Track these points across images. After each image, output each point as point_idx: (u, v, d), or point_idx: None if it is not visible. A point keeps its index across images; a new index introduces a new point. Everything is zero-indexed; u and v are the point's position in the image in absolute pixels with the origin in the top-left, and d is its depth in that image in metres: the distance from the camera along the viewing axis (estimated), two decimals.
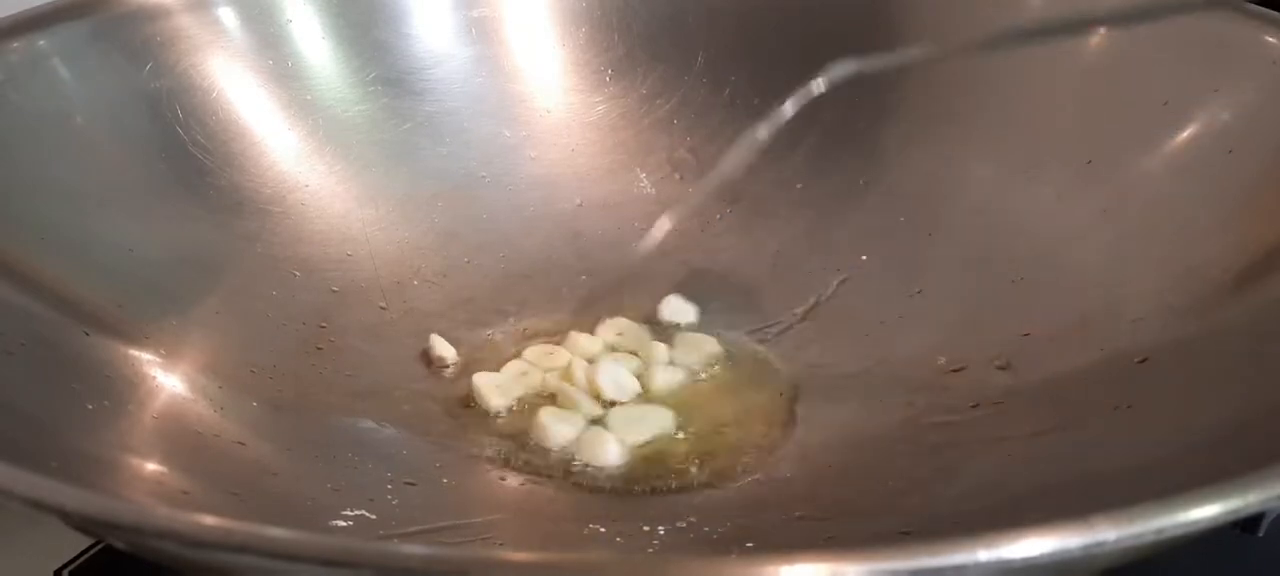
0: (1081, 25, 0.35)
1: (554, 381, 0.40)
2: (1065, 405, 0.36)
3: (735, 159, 0.34)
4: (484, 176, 0.48)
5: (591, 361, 0.41)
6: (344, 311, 0.43)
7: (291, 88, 0.46)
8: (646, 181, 0.49)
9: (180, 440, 0.34)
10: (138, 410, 0.34)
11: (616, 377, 0.40)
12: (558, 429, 0.37)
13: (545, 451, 0.37)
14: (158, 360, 0.36)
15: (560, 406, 0.39)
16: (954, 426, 0.37)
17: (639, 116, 0.50)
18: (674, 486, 0.36)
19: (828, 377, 0.40)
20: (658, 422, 0.39)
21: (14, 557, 0.36)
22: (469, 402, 0.40)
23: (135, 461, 0.32)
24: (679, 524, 0.35)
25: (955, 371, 0.39)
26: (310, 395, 0.39)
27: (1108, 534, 0.19)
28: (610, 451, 0.37)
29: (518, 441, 0.38)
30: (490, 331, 0.43)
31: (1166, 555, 0.22)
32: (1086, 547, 0.19)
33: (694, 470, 0.37)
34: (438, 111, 0.48)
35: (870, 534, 0.33)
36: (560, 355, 0.41)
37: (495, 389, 0.39)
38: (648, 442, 0.38)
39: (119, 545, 0.24)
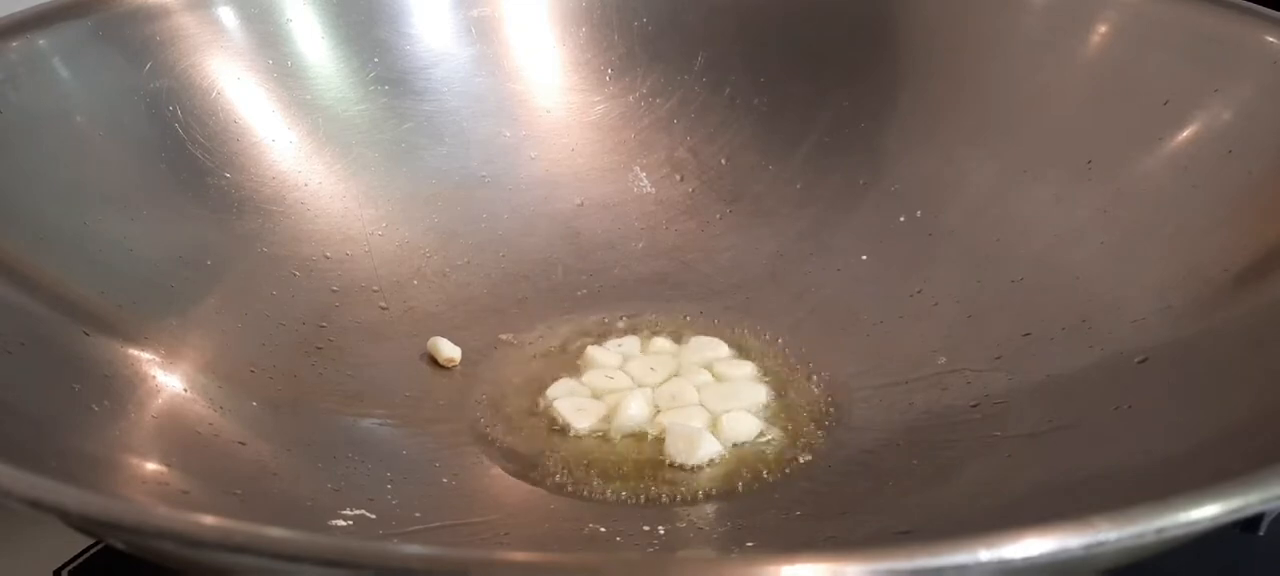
0: None
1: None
2: (1065, 405, 0.36)
3: None
4: (484, 176, 0.48)
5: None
6: (344, 311, 0.43)
7: (291, 87, 0.46)
8: (646, 181, 0.49)
9: (180, 440, 0.34)
10: (138, 410, 0.34)
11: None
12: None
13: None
14: (158, 360, 0.36)
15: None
16: (954, 426, 0.37)
17: (639, 116, 0.50)
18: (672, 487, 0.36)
19: (828, 378, 0.40)
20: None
21: (14, 557, 0.36)
22: (479, 400, 0.40)
23: (135, 461, 0.32)
24: (679, 524, 0.35)
25: (955, 371, 0.39)
26: (310, 395, 0.39)
27: (1108, 534, 0.19)
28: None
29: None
30: (490, 331, 0.43)
31: (1167, 555, 0.22)
32: (1087, 547, 0.19)
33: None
34: (438, 111, 0.48)
35: (870, 534, 0.33)
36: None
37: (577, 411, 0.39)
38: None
39: (119, 545, 0.24)
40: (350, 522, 0.33)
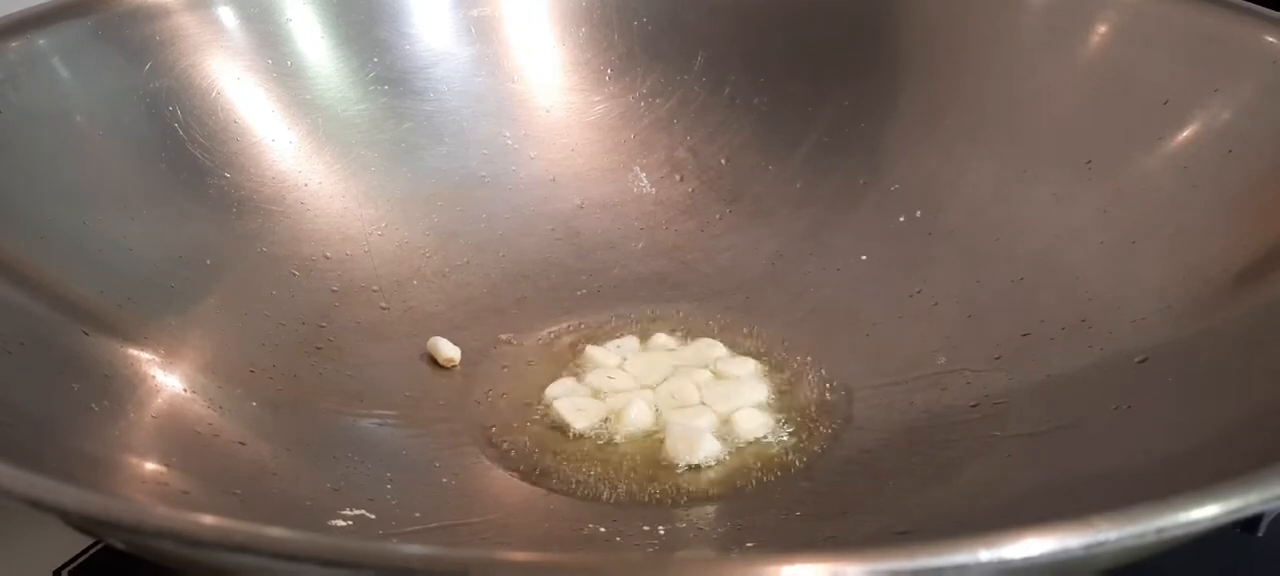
0: None
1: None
2: (1065, 405, 0.36)
3: None
4: (484, 176, 0.48)
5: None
6: (344, 311, 0.43)
7: (291, 87, 0.46)
8: (646, 181, 0.49)
9: (180, 440, 0.34)
10: (138, 410, 0.34)
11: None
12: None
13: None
14: (158, 360, 0.36)
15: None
16: (954, 426, 0.37)
17: (639, 116, 0.50)
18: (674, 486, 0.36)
19: (827, 378, 0.40)
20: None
21: (14, 557, 0.36)
22: (477, 401, 0.40)
23: (135, 461, 0.32)
24: (679, 524, 0.35)
25: (955, 371, 0.39)
26: (310, 395, 0.39)
27: (1108, 534, 0.19)
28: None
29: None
30: (490, 331, 0.43)
31: (1167, 555, 0.22)
32: (1087, 547, 0.19)
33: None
34: (438, 111, 0.48)
35: (870, 534, 0.33)
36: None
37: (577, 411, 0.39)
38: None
39: (119, 545, 0.24)
40: (350, 522, 0.33)
